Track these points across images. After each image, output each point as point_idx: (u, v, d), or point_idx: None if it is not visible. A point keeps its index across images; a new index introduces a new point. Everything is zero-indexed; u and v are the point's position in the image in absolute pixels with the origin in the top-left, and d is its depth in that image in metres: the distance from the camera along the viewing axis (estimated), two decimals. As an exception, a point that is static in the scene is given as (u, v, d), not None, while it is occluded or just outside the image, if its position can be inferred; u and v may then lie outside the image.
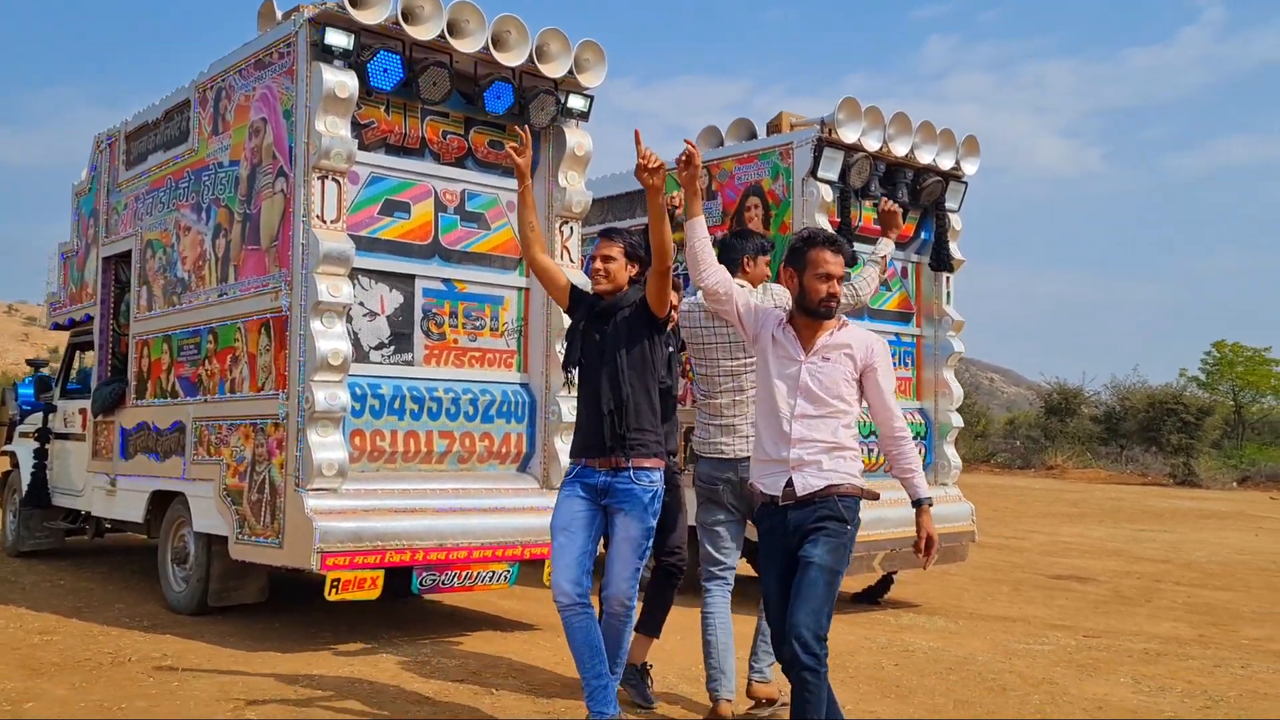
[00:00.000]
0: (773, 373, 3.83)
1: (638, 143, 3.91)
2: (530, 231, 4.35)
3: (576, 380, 4.30)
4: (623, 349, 4.13)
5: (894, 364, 7.71)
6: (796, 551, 3.65)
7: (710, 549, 4.62)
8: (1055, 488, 23.28)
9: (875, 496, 3.78)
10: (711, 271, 4.01)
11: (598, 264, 4.28)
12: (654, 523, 4.15)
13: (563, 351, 6.25)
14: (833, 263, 3.77)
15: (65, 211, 8.48)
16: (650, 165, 3.84)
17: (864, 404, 3.86)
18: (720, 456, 4.59)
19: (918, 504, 3.75)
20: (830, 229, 6.90)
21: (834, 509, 3.64)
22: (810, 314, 3.80)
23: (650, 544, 4.19)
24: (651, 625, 4.81)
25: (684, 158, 4.05)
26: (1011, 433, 33.95)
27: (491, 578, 5.82)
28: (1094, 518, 16.33)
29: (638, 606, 4.36)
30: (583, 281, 4.85)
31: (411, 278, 5.94)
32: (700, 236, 4.04)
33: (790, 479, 3.70)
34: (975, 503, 8.04)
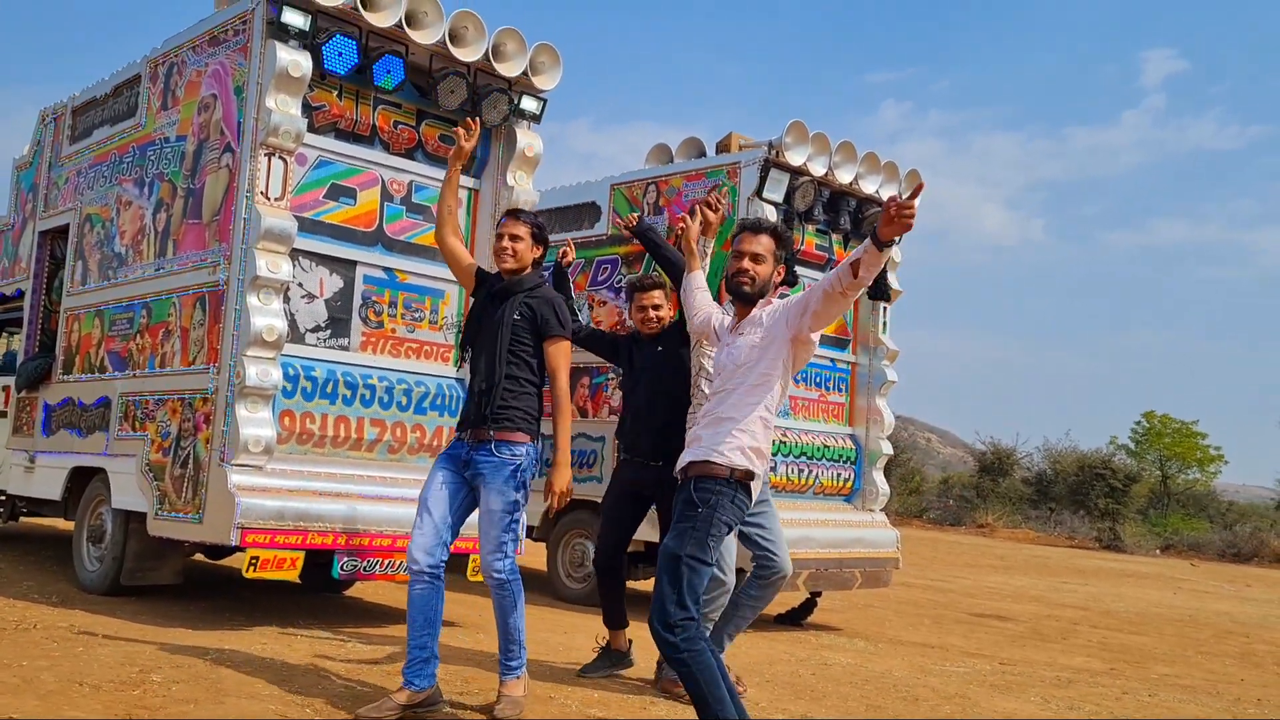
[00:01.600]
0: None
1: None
2: (449, 214, 4.45)
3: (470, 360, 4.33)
4: (509, 331, 4.18)
5: (828, 389, 7.87)
6: None
7: None
8: (984, 544, 23.59)
9: (750, 475, 3.61)
10: (695, 316, 4.37)
11: (505, 242, 4.31)
12: (518, 496, 4.11)
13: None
14: (748, 240, 3.83)
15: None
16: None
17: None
18: None
19: (873, 236, 3.27)
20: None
21: (687, 493, 3.58)
22: (735, 296, 3.89)
23: (519, 516, 4.13)
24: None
25: (704, 215, 4.53)
26: (945, 491, 34.37)
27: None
28: (1019, 570, 16.57)
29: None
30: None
31: (353, 264, 5.93)
32: (695, 287, 4.40)
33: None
34: (904, 553, 8.13)
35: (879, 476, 7.99)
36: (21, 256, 7.80)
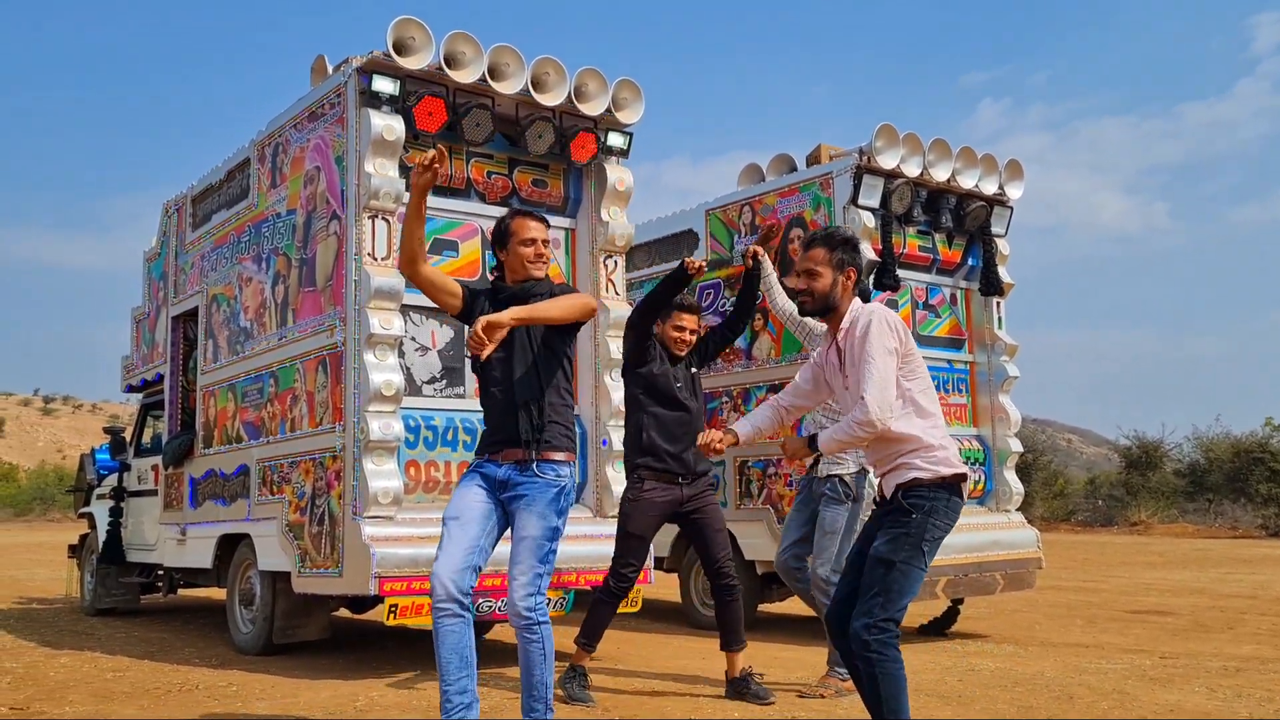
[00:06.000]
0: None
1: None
2: (421, 249, 3.86)
3: (483, 376, 3.93)
4: (539, 342, 3.84)
5: (948, 391, 7.71)
6: None
7: None
8: (1139, 542, 22.53)
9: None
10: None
11: (540, 248, 3.92)
12: (559, 522, 3.77)
13: (614, 381, 6.36)
14: (800, 259, 3.75)
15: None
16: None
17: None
18: None
19: None
20: (873, 256, 6.97)
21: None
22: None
23: (556, 546, 3.76)
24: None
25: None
26: (1092, 491, 33.03)
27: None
28: (1178, 565, 15.78)
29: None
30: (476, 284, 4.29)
31: (462, 313, 6.09)
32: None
33: None
34: (1052, 557, 7.86)
35: (1011, 475, 7.76)
36: (158, 342, 8.27)
